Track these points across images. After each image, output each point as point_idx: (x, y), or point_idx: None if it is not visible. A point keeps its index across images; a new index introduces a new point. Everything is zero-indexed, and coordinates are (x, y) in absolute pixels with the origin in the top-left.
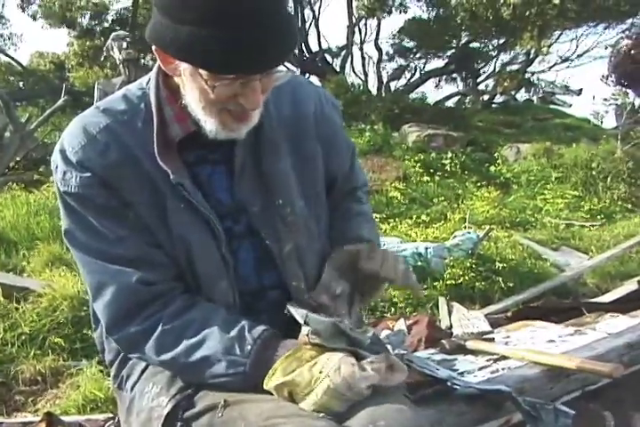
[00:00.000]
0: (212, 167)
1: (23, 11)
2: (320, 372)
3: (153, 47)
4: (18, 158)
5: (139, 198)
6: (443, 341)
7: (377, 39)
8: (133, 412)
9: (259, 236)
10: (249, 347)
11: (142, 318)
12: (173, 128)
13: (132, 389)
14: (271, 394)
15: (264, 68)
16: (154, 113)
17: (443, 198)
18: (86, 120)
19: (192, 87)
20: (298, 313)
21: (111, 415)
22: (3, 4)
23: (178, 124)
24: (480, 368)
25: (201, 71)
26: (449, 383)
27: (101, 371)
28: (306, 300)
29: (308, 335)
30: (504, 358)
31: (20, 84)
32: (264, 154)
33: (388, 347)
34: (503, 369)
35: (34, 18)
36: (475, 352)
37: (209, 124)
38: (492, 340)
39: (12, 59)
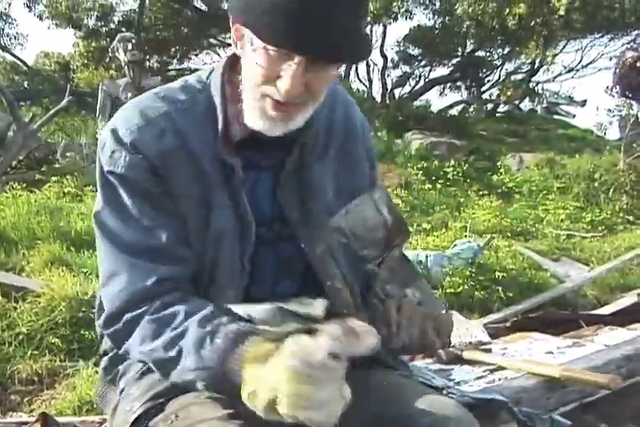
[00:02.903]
0: (258, 173)
1: (30, 10)
2: (273, 367)
3: (231, 22)
4: (20, 158)
5: (185, 190)
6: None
7: (382, 46)
8: (117, 411)
9: (287, 242)
10: (218, 341)
11: (134, 315)
12: (234, 128)
13: (122, 389)
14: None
15: (320, 53)
16: (218, 109)
17: (444, 207)
18: (144, 104)
19: (246, 63)
20: (240, 310)
21: (106, 417)
22: (9, 4)
23: (238, 125)
24: (476, 378)
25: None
26: (444, 392)
27: (97, 372)
28: (340, 297)
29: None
30: (501, 368)
31: (25, 83)
32: (310, 160)
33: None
34: (500, 380)
35: (40, 18)
36: (471, 362)
37: (250, 114)
38: (490, 351)
39: (18, 58)
